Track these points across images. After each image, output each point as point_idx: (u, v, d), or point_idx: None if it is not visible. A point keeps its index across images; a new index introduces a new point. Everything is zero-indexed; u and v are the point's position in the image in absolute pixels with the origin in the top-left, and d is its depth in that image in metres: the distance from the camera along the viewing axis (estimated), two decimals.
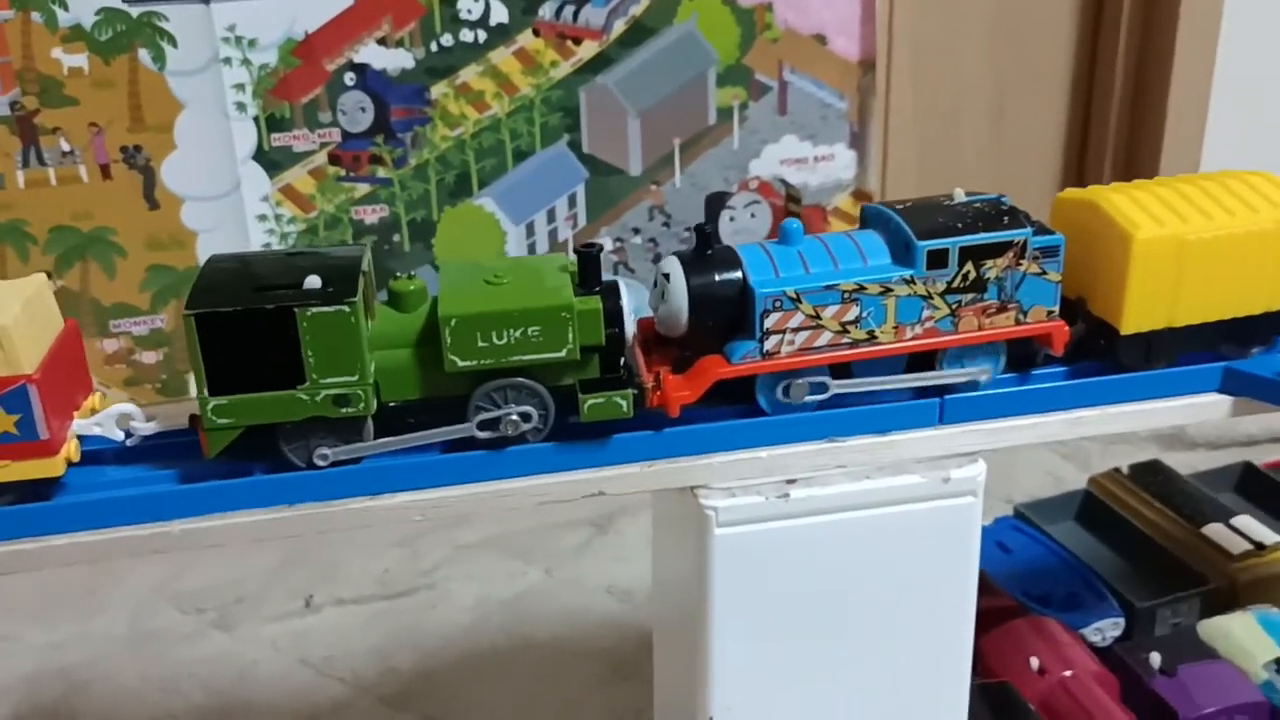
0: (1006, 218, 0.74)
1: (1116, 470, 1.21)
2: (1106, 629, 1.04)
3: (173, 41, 1.22)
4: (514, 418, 0.70)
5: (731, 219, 1.43)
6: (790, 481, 0.74)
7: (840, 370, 0.75)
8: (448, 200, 1.35)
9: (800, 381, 0.73)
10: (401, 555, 1.34)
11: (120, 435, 0.71)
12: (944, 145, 1.43)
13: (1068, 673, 0.93)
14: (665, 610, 0.90)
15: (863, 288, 0.72)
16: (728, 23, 1.34)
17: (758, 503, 0.73)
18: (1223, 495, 1.19)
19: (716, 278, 0.72)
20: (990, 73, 1.42)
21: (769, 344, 0.71)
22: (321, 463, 0.69)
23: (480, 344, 0.67)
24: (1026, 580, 1.11)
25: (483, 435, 0.70)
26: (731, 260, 0.73)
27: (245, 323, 0.65)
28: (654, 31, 1.33)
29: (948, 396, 0.77)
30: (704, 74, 1.36)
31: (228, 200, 1.29)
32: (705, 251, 0.73)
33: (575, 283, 0.71)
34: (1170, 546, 1.12)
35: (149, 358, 1.33)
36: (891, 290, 0.72)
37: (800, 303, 0.71)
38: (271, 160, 1.29)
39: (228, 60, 1.24)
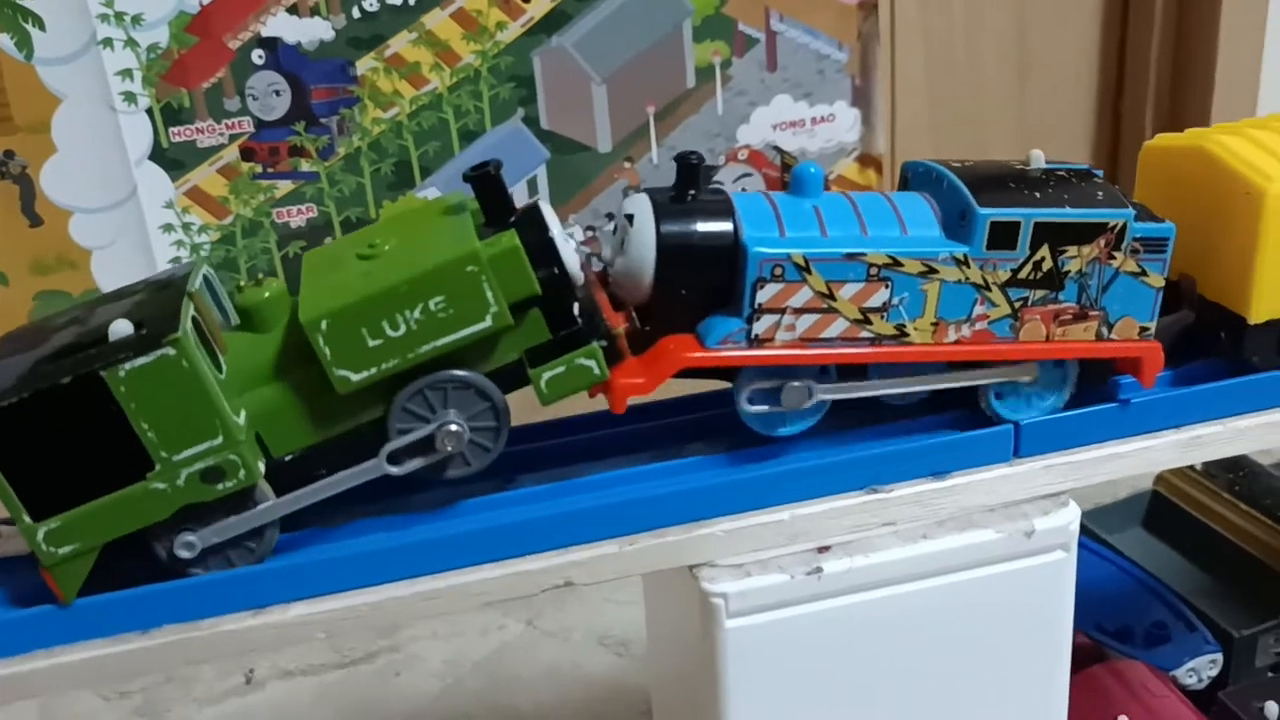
0: (1101, 193, 0.58)
1: (1189, 466, 1.07)
2: (1202, 668, 0.93)
3: (39, 23, 1.06)
4: (453, 428, 0.53)
5: None
6: (822, 550, 0.59)
7: (849, 376, 0.59)
8: (386, 194, 1.20)
9: (797, 384, 0.57)
10: None
11: None
12: (961, 97, 1.28)
13: None
14: (666, 687, 0.76)
15: (897, 263, 0.56)
16: None
17: (781, 583, 0.58)
18: None
19: (698, 227, 0.55)
20: (1010, 5, 1.24)
21: (760, 326, 0.55)
22: (187, 554, 0.53)
23: (371, 343, 0.51)
24: (1097, 610, 1.00)
25: (410, 465, 0.54)
26: (721, 207, 0.56)
27: (42, 411, 0.49)
28: None
29: (1024, 422, 0.60)
30: (678, 28, 1.22)
31: (124, 209, 1.13)
32: (688, 192, 0.56)
33: (479, 223, 0.54)
34: (1264, 557, 1.00)
35: None
36: (936, 271, 0.56)
37: (809, 273, 0.55)
38: (172, 159, 1.13)
39: (108, 42, 1.08)
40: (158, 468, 0.50)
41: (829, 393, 0.57)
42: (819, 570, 0.57)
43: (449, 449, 0.53)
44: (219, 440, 0.51)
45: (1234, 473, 1.07)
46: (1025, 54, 1.30)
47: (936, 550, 0.58)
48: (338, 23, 1.12)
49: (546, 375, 0.53)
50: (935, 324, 0.57)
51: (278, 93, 1.13)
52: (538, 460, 0.61)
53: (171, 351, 0.49)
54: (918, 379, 0.59)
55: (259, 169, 1.14)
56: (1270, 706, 0.84)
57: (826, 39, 1.23)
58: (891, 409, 0.61)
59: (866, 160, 1.29)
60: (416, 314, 0.50)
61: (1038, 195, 0.56)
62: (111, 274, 1.13)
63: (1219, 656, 0.90)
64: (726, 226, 0.55)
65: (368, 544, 0.55)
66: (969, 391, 0.60)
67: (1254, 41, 1.23)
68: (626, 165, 1.24)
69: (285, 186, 1.16)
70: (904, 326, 0.57)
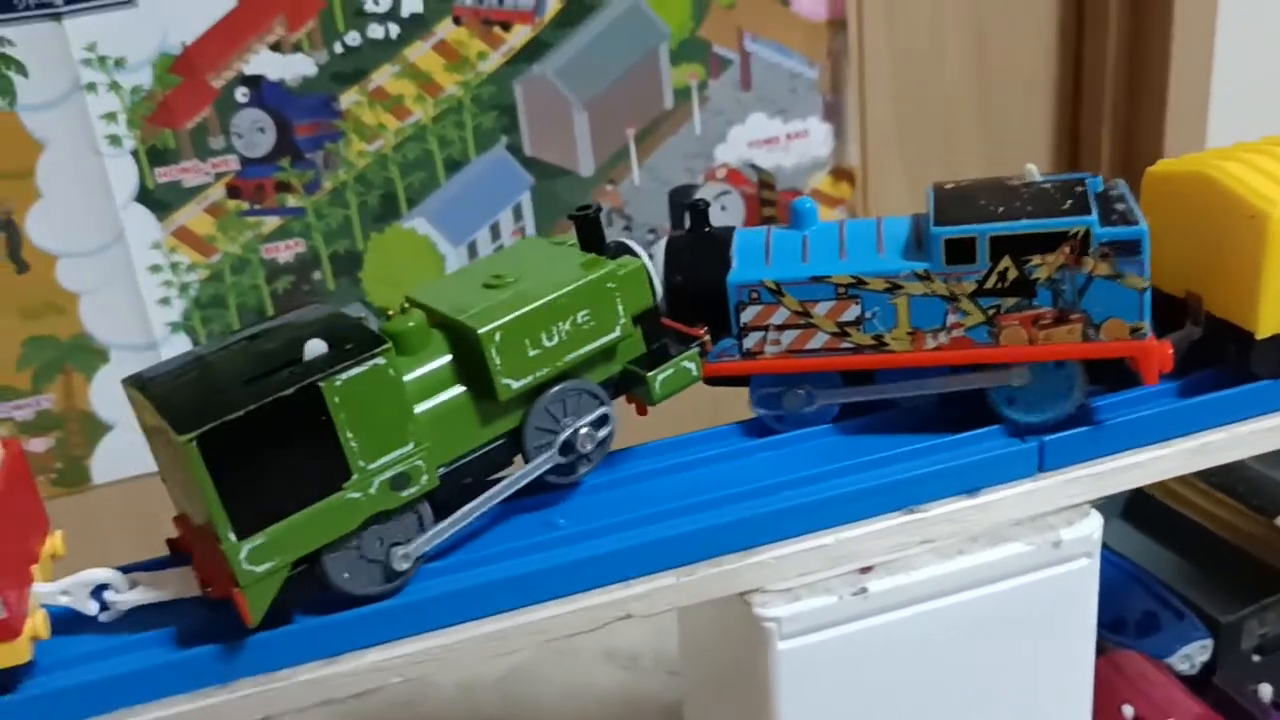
0: (1069, 202, 0.61)
1: None
2: (1194, 654, 0.96)
3: (21, 69, 1.04)
4: (585, 430, 0.59)
5: None
6: (865, 570, 0.62)
7: (856, 384, 0.66)
8: (373, 225, 1.19)
9: (797, 391, 0.65)
10: None
11: (94, 608, 0.56)
12: (928, 110, 1.31)
13: None
14: (706, 706, 0.78)
15: (861, 281, 0.62)
16: None
17: (829, 604, 0.61)
18: None
19: (697, 266, 0.64)
20: (970, 22, 1.27)
21: (749, 341, 0.64)
22: (405, 565, 0.56)
23: (531, 353, 0.56)
24: None
25: (566, 460, 0.60)
26: (722, 245, 0.65)
27: (262, 426, 0.50)
28: (593, 8, 1.19)
29: (1048, 438, 0.63)
30: (655, 52, 1.21)
31: (111, 253, 1.12)
32: (701, 233, 0.66)
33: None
34: (1242, 544, 1.04)
35: (38, 445, 1.14)
36: (901, 287, 0.62)
37: (782, 295, 0.63)
38: (158, 200, 1.11)
39: (92, 86, 1.05)
40: (354, 477, 0.53)
41: (830, 398, 0.65)
42: (864, 590, 0.60)
43: (586, 450, 0.59)
44: (409, 447, 0.54)
45: None
46: (986, 69, 1.32)
47: (972, 565, 0.61)
48: (320, 58, 1.11)
49: (660, 377, 0.59)
50: (912, 333, 0.62)
51: (262, 130, 1.12)
52: (576, 498, 0.63)
53: (382, 361, 0.52)
54: (910, 384, 0.64)
55: (245, 206, 1.13)
56: (1264, 689, 0.87)
57: (798, 57, 1.25)
58: (915, 416, 0.66)
59: (839, 173, 1.30)
60: (566, 326, 0.56)
61: (1001, 210, 0.60)
62: (100, 317, 1.12)
63: (1209, 642, 0.93)
64: (721, 264, 0.63)
65: (433, 588, 0.57)
66: (985, 401, 0.63)
67: (1203, 55, 1.28)
68: (609, 188, 1.24)
69: (272, 222, 1.14)
70: (881, 337, 0.62)
